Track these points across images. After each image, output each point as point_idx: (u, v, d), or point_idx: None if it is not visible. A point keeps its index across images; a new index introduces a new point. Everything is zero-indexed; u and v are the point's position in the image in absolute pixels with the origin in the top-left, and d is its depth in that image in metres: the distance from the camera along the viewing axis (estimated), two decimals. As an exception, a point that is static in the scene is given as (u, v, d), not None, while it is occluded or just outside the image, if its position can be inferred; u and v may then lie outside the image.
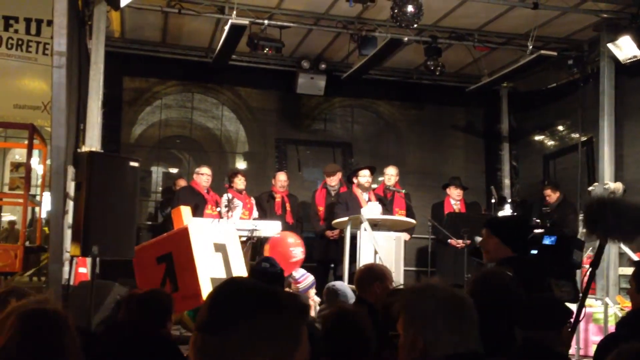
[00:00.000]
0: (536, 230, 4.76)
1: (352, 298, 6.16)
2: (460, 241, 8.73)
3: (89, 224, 5.43)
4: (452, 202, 9.56)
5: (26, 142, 7.91)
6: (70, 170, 6.45)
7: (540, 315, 2.84)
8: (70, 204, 6.23)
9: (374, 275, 4.31)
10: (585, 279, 3.62)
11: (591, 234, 3.34)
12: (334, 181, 9.42)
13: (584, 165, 10.09)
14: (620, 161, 9.08)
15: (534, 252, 3.88)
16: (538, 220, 9.14)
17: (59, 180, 5.90)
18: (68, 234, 6.32)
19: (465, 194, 9.78)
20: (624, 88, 9.17)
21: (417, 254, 10.78)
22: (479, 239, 4.66)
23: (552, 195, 9.39)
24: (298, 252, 8.07)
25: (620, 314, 7.19)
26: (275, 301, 1.39)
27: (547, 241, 3.87)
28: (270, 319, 1.35)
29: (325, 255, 9.26)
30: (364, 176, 8.85)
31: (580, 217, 8.47)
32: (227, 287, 1.43)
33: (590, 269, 3.36)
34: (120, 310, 4.08)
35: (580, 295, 3.67)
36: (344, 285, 6.49)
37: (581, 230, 8.22)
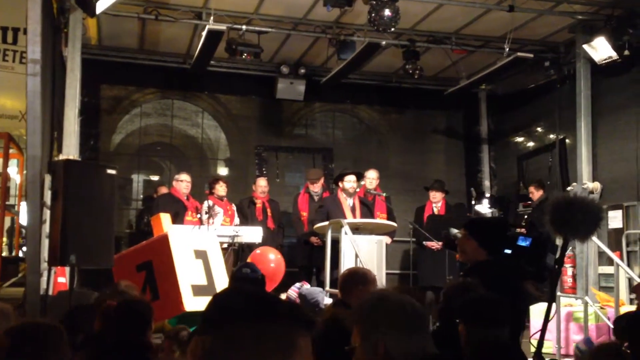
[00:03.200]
0: (517, 230, 4.79)
1: (322, 301, 6.14)
2: (434, 242, 8.80)
3: (66, 232, 5.38)
4: (433, 204, 9.62)
5: (2, 151, 7.82)
6: (48, 179, 6.38)
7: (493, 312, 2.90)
8: (48, 213, 6.16)
9: (358, 279, 4.30)
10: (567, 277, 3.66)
11: (557, 232, 3.39)
12: (317, 187, 9.42)
13: (557, 165, 10.19)
14: (595, 160, 9.19)
15: (508, 251, 3.93)
16: (524, 222, 9.22)
17: (35, 189, 5.82)
18: (46, 243, 6.24)
19: (447, 196, 9.83)
20: (600, 88, 9.27)
21: (399, 257, 10.80)
22: (454, 230, 4.66)
23: (535, 193, 9.46)
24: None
25: (600, 313, 7.25)
26: (271, 309, 1.37)
27: (522, 243, 3.90)
28: (262, 324, 1.33)
29: (307, 261, 9.25)
30: (350, 181, 8.84)
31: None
32: (229, 291, 1.44)
33: (557, 267, 3.40)
34: (95, 322, 4.02)
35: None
36: (310, 289, 6.48)
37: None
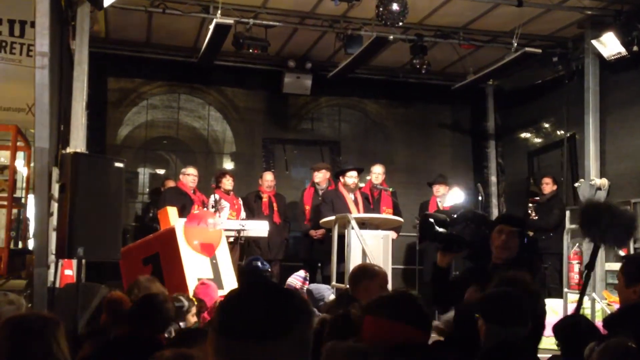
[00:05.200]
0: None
1: (328, 297, 6.16)
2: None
3: (74, 225, 5.39)
4: (437, 199, 9.59)
5: (10, 144, 7.82)
6: (55, 172, 6.39)
7: (515, 310, 2.86)
8: (55, 206, 6.17)
9: (368, 274, 4.29)
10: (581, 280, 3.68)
11: (586, 236, 3.39)
12: (318, 177, 9.39)
13: (566, 161, 10.15)
14: (603, 157, 9.15)
15: None
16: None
17: (43, 182, 5.83)
18: (53, 236, 6.26)
19: (453, 192, 9.79)
20: (608, 84, 9.22)
21: (405, 252, 10.79)
22: (438, 228, 4.54)
23: (550, 184, 9.40)
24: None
25: (607, 309, 7.24)
26: (309, 307, 1.42)
27: None
28: (310, 324, 1.38)
29: (311, 255, 9.25)
30: (351, 177, 8.86)
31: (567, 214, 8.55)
32: (273, 292, 1.40)
33: (585, 271, 3.40)
34: (102, 314, 4.02)
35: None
36: (318, 286, 6.49)
37: (568, 226, 8.28)
